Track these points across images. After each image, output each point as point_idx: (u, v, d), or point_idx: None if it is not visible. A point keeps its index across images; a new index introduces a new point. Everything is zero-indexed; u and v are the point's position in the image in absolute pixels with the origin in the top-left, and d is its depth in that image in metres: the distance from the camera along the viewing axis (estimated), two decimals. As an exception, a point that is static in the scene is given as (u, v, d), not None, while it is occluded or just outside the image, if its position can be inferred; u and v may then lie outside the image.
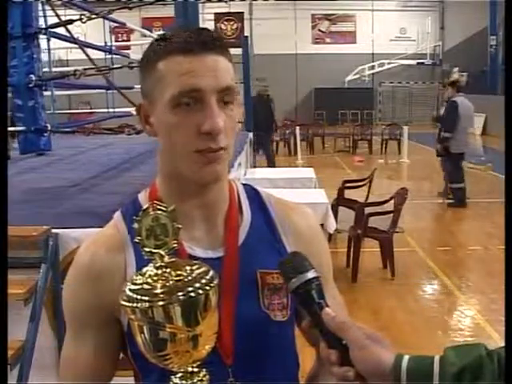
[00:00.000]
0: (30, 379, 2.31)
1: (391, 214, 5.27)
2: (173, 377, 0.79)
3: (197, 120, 0.90)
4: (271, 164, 10.66)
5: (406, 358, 0.81)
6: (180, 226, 0.79)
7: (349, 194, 6.73)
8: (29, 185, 3.40)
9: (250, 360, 0.97)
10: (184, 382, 0.79)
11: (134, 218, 0.79)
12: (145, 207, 0.79)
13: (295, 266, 0.88)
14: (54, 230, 2.46)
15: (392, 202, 5.39)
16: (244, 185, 1.10)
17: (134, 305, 0.75)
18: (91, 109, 7.25)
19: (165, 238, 0.78)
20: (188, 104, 0.90)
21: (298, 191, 5.22)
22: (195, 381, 0.79)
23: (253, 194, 1.09)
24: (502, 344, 0.81)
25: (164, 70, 0.91)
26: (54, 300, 2.51)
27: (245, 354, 0.96)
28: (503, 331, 0.85)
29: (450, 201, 8.28)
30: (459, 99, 8.03)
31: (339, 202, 6.47)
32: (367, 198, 6.75)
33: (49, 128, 4.64)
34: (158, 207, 0.78)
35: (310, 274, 0.87)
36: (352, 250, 5.27)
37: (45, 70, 5.29)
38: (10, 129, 4.21)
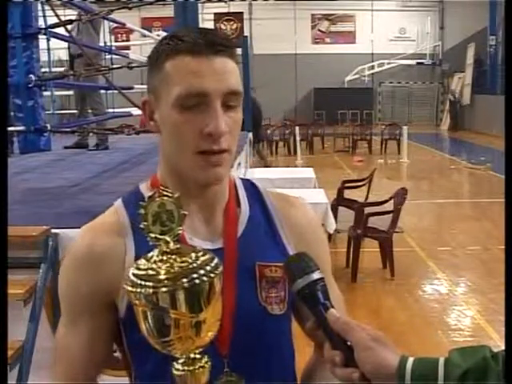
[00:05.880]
0: (29, 379, 2.31)
1: (391, 214, 5.27)
2: (175, 363, 0.79)
3: (200, 121, 0.90)
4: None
5: (411, 359, 0.80)
6: (186, 212, 0.79)
7: (348, 194, 6.73)
8: (29, 185, 3.40)
9: (245, 352, 0.97)
10: (186, 368, 0.78)
11: (140, 203, 0.78)
12: (151, 193, 0.78)
13: (301, 266, 0.88)
14: (53, 230, 2.46)
15: (392, 201, 5.38)
16: (242, 179, 1.11)
17: (138, 290, 0.74)
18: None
19: (171, 224, 0.78)
20: (193, 105, 0.91)
21: (298, 191, 5.21)
22: (197, 367, 0.79)
23: (250, 187, 1.10)
24: (502, 344, 0.81)
25: (171, 70, 0.92)
26: (53, 300, 2.51)
27: (241, 345, 0.96)
28: (503, 331, 0.85)
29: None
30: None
31: (339, 202, 6.46)
32: (367, 198, 6.75)
33: (48, 128, 4.64)
34: (164, 193, 0.78)
35: (316, 275, 0.87)
36: (352, 250, 5.27)
37: (45, 70, 5.28)
38: (9, 129, 4.20)
